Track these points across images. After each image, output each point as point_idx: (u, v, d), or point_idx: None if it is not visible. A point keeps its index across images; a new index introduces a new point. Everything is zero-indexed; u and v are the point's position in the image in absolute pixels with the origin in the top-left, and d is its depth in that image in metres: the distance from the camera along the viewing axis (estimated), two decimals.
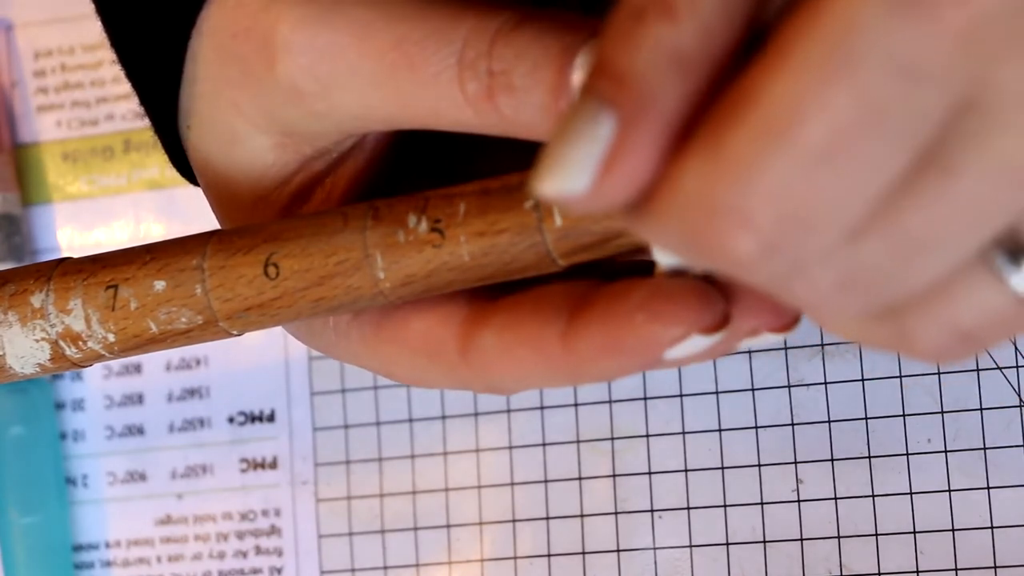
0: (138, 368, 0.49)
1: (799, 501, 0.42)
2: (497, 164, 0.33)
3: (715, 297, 0.28)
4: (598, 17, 0.30)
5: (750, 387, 0.43)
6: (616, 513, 0.44)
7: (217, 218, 0.35)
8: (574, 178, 0.24)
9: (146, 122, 0.36)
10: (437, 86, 0.30)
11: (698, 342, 0.28)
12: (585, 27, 0.29)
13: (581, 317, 0.29)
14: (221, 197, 0.35)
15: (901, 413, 0.42)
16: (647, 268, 0.29)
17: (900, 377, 0.42)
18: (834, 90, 0.22)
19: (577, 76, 0.29)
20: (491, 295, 0.31)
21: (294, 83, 0.31)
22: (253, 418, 0.48)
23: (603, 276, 0.30)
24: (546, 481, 0.44)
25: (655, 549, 0.43)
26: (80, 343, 0.33)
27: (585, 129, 0.23)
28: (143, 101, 0.36)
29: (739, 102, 0.23)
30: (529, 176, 0.25)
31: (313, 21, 0.31)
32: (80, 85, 0.50)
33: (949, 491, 0.41)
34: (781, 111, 0.22)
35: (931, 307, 0.25)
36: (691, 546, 0.43)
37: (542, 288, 0.30)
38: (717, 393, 0.43)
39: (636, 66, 0.23)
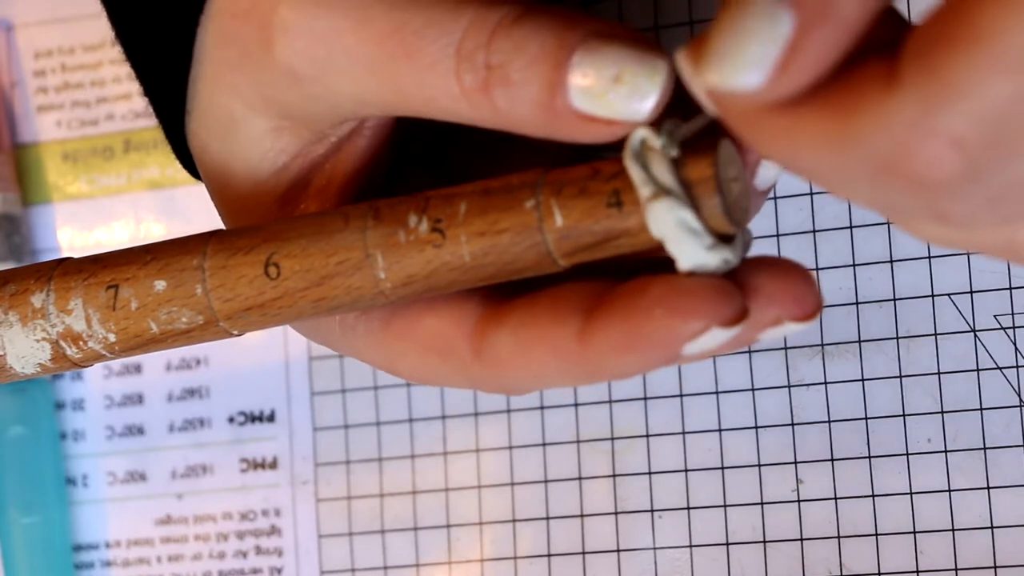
0: (138, 368, 0.49)
1: (799, 501, 0.42)
2: (498, 163, 0.33)
3: (733, 291, 0.28)
4: (598, 13, 0.30)
5: (750, 387, 0.43)
6: (616, 513, 0.44)
7: (215, 205, 0.35)
8: (746, 73, 0.24)
9: (149, 119, 0.36)
10: (433, 76, 0.30)
11: (718, 335, 0.28)
12: (585, 24, 0.29)
13: (599, 314, 0.29)
14: (219, 183, 0.35)
15: (901, 413, 0.42)
16: (662, 265, 0.29)
17: (900, 377, 0.42)
18: None
19: (574, 76, 0.29)
20: (505, 295, 0.31)
21: (291, 65, 0.31)
22: (253, 418, 0.48)
23: (618, 275, 0.30)
24: (546, 481, 0.44)
25: (655, 549, 0.43)
26: (81, 343, 0.33)
27: (762, 27, 0.24)
28: (147, 91, 0.36)
29: (963, 29, 0.23)
30: (687, 58, 0.25)
31: (312, 4, 0.31)
32: (80, 85, 0.50)
33: (949, 491, 0.41)
34: (1014, 46, 0.22)
35: None
36: (691, 546, 0.43)
37: (558, 287, 0.30)
38: (717, 393, 0.43)
39: None
